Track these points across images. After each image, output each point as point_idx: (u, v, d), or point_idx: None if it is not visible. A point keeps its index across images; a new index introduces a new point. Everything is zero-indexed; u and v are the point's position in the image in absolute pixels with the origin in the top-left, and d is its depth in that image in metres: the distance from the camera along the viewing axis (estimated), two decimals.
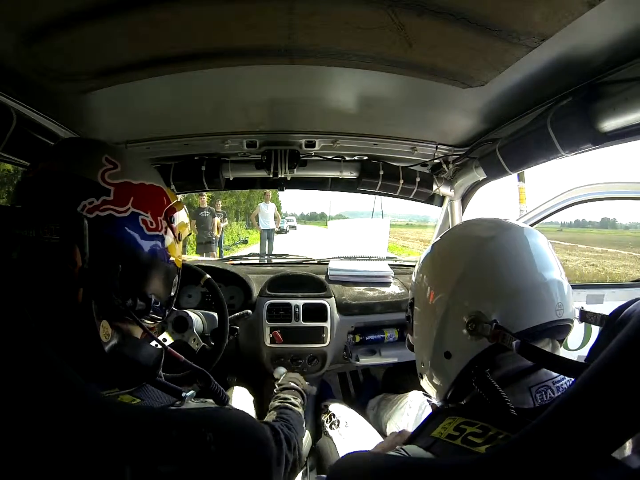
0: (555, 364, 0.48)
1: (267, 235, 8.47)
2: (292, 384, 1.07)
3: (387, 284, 1.76)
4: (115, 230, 0.52)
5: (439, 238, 0.70)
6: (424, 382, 0.66)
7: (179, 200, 0.67)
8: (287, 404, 0.94)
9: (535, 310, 0.54)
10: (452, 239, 0.68)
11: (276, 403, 0.96)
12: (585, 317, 0.60)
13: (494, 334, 0.51)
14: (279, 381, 1.12)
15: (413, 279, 0.70)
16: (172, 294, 0.65)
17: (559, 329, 0.56)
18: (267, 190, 7.67)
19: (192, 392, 0.55)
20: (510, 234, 0.60)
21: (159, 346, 0.61)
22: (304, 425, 0.93)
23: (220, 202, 9.37)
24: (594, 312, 0.59)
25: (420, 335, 0.66)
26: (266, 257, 3.87)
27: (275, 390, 1.07)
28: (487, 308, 0.54)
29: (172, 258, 0.62)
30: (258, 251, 8.42)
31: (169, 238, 0.60)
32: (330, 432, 1.27)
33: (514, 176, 1.18)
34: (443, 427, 0.51)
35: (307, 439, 1.29)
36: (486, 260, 0.58)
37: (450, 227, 0.73)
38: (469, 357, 0.55)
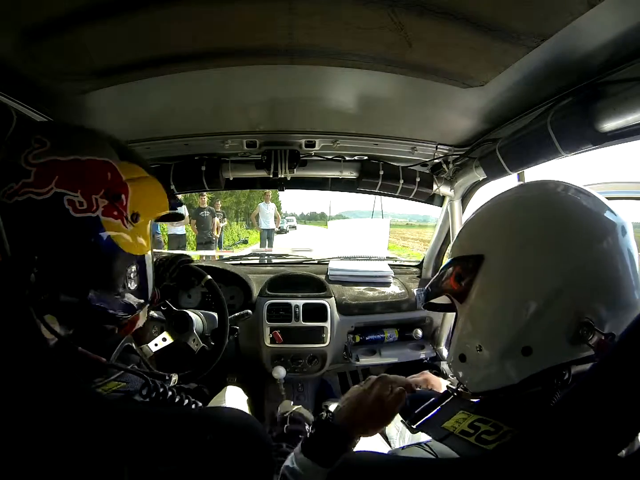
0: None
1: (267, 235, 8.46)
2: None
3: (387, 284, 1.76)
4: (33, 215, 0.47)
5: (546, 188, 0.54)
6: (463, 366, 0.54)
7: (146, 176, 0.59)
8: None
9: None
10: (580, 206, 0.50)
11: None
12: None
13: (601, 345, 0.42)
14: (287, 414, 1.03)
15: (484, 226, 0.56)
16: (131, 286, 0.56)
17: None
18: (267, 190, 7.67)
19: (175, 376, 0.54)
20: (629, 233, 0.48)
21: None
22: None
23: (219, 202, 9.37)
24: None
25: (488, 312, 0.51)
26: (266, 257, 3.87)
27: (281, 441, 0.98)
28: (606, 315, 0.45)
29: (116, 242, 0.53)
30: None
31: (111, 219, 0.51)
32: None
33: (513, 176, 1.18)
34: (456, 421, 0.49)
35: None
36: (615, 257, 0.46)
37: (557, 182, 0.55)
38: (554, 362, 0.46)
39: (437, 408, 0.58)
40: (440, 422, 0.51)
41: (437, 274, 0.60)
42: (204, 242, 7.04)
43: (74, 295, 0.49)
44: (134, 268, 0.56)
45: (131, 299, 0.57)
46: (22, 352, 0.43)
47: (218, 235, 7.57)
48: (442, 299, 0.61)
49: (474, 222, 0.58)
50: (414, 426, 0.54)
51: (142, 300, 0.59)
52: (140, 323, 0.65)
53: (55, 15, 0.67)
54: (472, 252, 0.53)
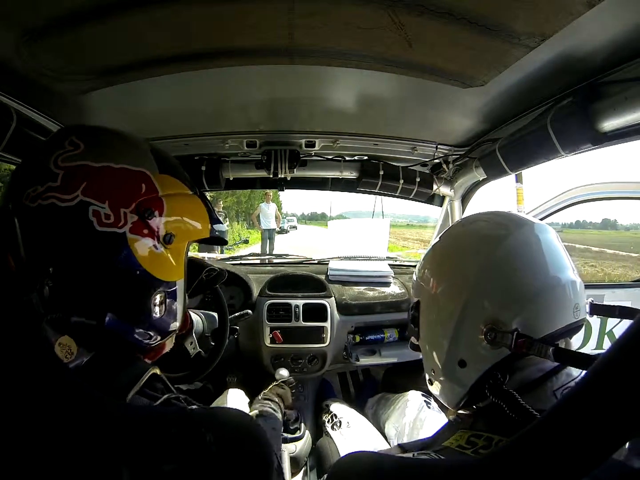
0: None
1: (268, 235, 8.47)
2: (276, 399, 1.06)
3: (387, 284, 1.76)
4: (54, 223, 0.43)
5: (442, 236, 0.66)
6: (434, 389, 0.63)
7: (187, 193, 0.54)
8: (269, 409, 0.95)
9: (555, 314, 0.52)
10: (460, 237, 0.64)
11: (257, 405, 0.97)
12: (597, 310, 0.59)
13: (519, 344, 0.49)
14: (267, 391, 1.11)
15: (416, 279, 0.66)
16: (157, 314, 0.50)
17: (575, 329, 0.55)
18: (268, 191, 7.67)
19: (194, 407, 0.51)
20: (522, 232, 0.56)
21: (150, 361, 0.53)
22: (281, 435, 0.94)
23: (221, 202, 9.39)
24: (607, 304, 0.59)
25: (429, 342, 0.62)
26: (267, 257, 3.87)
27: (259, 397, 1.07)
28: (505, 315, 0.51)
29: (141, 264, 0.47)
30: (259, 251, 8.43)
31: (139, 238, 0.46)
32: (332, 433, 1.27)
33: (511, 178, 1.18)
34: (455, 439, 0.52)
35: (307, 439, 1.29)
36: (501, 263, 0.54)
37: (453, 224, 0.71)
38: (487, 365, 0.53)
39: (437, 431, 0.65)
40: (441, 442, 0.54)
41: None
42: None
43: (88, 317, 0.44)
44: (160, 295, 0.50)
45: (155, 327, 0.51)
46: (28, 369, 0.39)
47: None
48: None
49: (414, 277, 0.69)
50: (416, 453, 0.56)
51: (169, 329, 0.54)
52: (167, 349, 0.60)
53: (55, 15, 0.67)
54: (415, 300, 0.65)
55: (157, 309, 0.50)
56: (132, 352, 0.51)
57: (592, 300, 0.58)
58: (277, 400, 1.06)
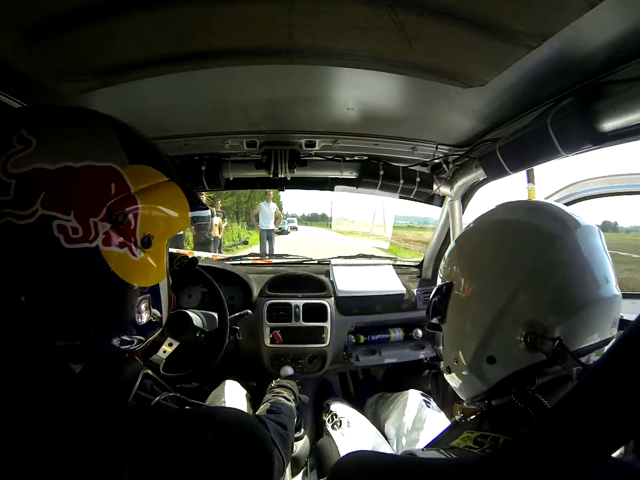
0: None
1: (267, 236, 8.43)
2: (288, 384, 1.11)
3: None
4: (15, 245, 0.37)
5: (491, 215, 0.62)
6: (451, 377, 0.61)
7: (163, 181, 0.47)
8: (279, 398, 0.98)
9: (598, 327, 0.51)
10: (513, 226, 0.57)
11: (269, 396, 1.01)
12: (623, 325, 0.57)
13: (556, 353, 0.47)
14: (276, 381, 1.18)
15: (450, 259, 0.63)
16: (141, 320, 0.47)
17: (605, 344, 0.53)
18: (269, 190, 7.67)
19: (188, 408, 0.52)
20: (579, 235, 0.52)
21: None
22: (295, 420, 0.96)
23: (219, 201, 9.37)
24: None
25: (457, 329, 0.59)
26: (267, 257, 3.86)
27: (271, 385, 1.13)
28: (549, 321, 0.49)
29: (121, 278, 0.42)
30: (258, 252, 8.41)
31: (115, 249, 0.41)
32: (332, 432, 1.27)
33: (523, 178, 1.17)
34: (462, 439, 0.52)
35: (307, 439, 1.29)
36: (555, 266, 0.50)
37: (499, 205, 0.64)
38: (517, 367, 0.51)
39: (442, 432, 0.63)
40: (448, 442, 0.54)
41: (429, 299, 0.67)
42: (202, 243, 7.01)
43: (72, 338, 0.41)
44: (144, 303, 0.47)
45: (143, 331, 0.49)
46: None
47: (220, 236, 7.51)
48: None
49: (448, 255, 0.66)
50: (425, 449, 0.55)
51: (154, 330, 0.52)
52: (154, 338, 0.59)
53: (55, 15, 0.67)
54: (445, 280, 0.62)
55: (142, 315, 0.47)
56: (120, 355, 0.50)
57: (622, 316, 0.55)
58: (289, 385, 1.10)
